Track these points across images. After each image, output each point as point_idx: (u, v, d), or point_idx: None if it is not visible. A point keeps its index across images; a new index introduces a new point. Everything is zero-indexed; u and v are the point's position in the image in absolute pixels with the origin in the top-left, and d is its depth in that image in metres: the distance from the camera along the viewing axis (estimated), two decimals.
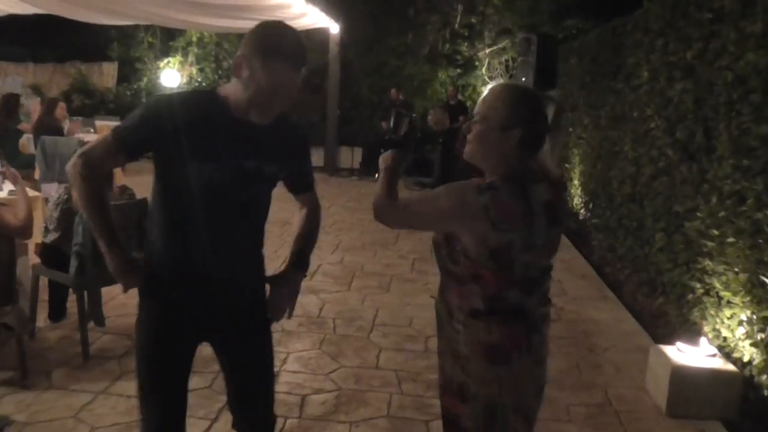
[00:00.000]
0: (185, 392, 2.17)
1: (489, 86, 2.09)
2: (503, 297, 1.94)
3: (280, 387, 3.76)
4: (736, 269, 3.94)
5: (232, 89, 1.96)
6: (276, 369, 3.95)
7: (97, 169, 2.04)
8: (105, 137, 2.04)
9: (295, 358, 4.17)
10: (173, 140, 1.93)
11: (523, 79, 8.22)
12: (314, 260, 6.71)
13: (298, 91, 1.95)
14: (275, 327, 4.30)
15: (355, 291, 5.65)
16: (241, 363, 2.23)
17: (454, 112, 11.47)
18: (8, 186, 5.07)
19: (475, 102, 13.77)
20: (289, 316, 2.28)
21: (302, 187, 2.35)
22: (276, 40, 1.89)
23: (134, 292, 2.16)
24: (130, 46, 14.70)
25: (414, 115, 12.31)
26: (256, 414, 2.27)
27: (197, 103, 2.00)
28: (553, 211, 1.96)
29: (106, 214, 2.06)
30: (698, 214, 4.49)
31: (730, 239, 3.99)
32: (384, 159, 2.20)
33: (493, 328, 1.93)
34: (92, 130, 9.60)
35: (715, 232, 4.18)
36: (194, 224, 2.02)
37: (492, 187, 1.87)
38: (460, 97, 12.89)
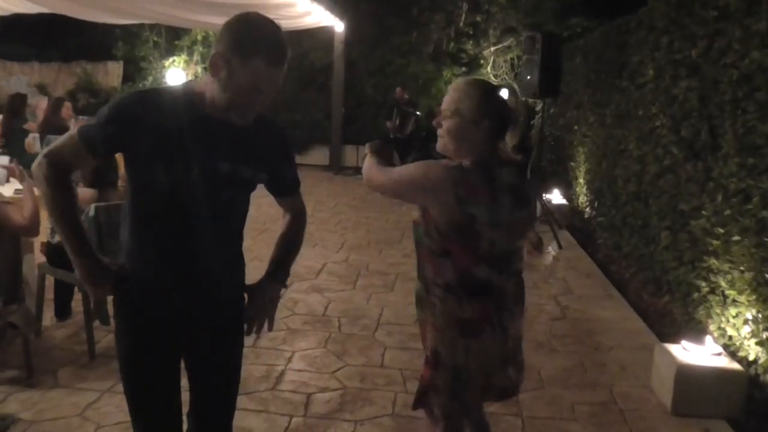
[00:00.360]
0: (176, 404, 2.07)
1: (451, 84, 2.29)
2: (472, 273, 2.13)
3: (285, 385, 3.77)
4: (741, 268, 3.93)
5: (208, 87, 1.83)
6: (281, 367, 3.98)
7: (63, 170, 1.92)
8: (72, 135, 1.91)
9: (300, 357, 4.18)
10: (143, 139, 1.82)
11: (528, 77, 8.22)
12: (319, 259, 6.76)
13: (278, 89, 1.84)
14: (280, 325, 4.29)
15: (360, 289, 5.65)
16: (207, 373, 2.11)
17: None
18: (15, 184, 5.09)
19: None
20: (269, 329, 2.15)
21: (285, 191, 2.17)
22: (256, 36, 1.75)
23: None
24: (135, 45, 14.72)
25: (419, 113, 12.31)
26: (214, 427, 2.16)
27: (169, 100, 1.86)
28: (519, 193, 2.15)
29: (73, 219, 1.96)
30: (703, 212, 4.48)
31: (736, 237, 3.98)
32: (371, 145, 2.45)
33: (464, 304, 2.14)
34: None
35: (721, 230, 4.18)
36: (165, 229, 1.92)
37: (461, 167, 2.09)
38: None
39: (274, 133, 2.03)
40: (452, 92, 2.18)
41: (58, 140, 1.95)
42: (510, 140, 2.21)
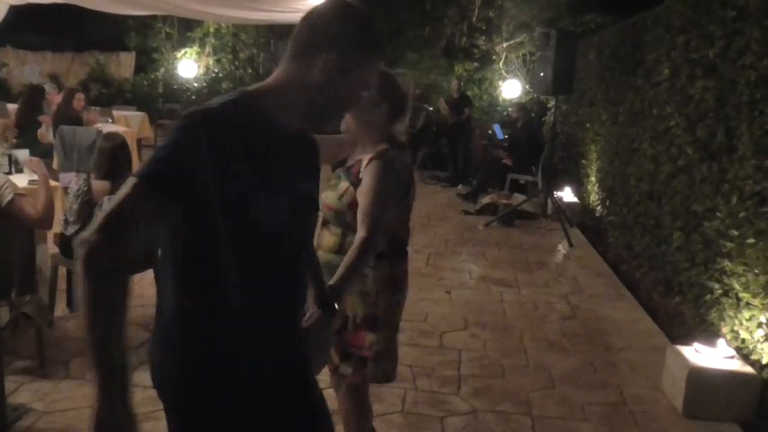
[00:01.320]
0: None
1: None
2: (397, 238, 2.50)
3: None
4: (756, 270, 3.90)
5: (293, 93, 1.51)
6: None
7: (125, 252, 1.31)
8: (134, 188, 1.33)
9: None
10: (237, 170, 1.39)
11: (541, 74, 8.18)
12: None
13: None
14: None
15: None
16: None
17: (458, 105, 11.41)
18: (29, 175, 5.10)
19: (490, 95, 13.62)
20: (324, 364, 1.95)
21: (316, 205, 1.77)
22: (377, 35, 1.55)
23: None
24: (148, 36, 14.77)
25: (431, 108, 12.28)
26: None
27: (248, 115, 1.45)
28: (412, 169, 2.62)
29: (121, 334, 1.31)
30: (718, 213, 4.45)
31: (750, 240, 3.95)
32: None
33: (393, 265, 2.48)
34: (110, 120, 9.66)
35: (735, 232, 4.15)
36: (266, 285, 1.51)
37: (395, 155, 2.37)
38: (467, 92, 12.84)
39: (312, 141, 1.73)
40: None
41: (111, 205, 1.35)
42: (401, 124, 2.52)
